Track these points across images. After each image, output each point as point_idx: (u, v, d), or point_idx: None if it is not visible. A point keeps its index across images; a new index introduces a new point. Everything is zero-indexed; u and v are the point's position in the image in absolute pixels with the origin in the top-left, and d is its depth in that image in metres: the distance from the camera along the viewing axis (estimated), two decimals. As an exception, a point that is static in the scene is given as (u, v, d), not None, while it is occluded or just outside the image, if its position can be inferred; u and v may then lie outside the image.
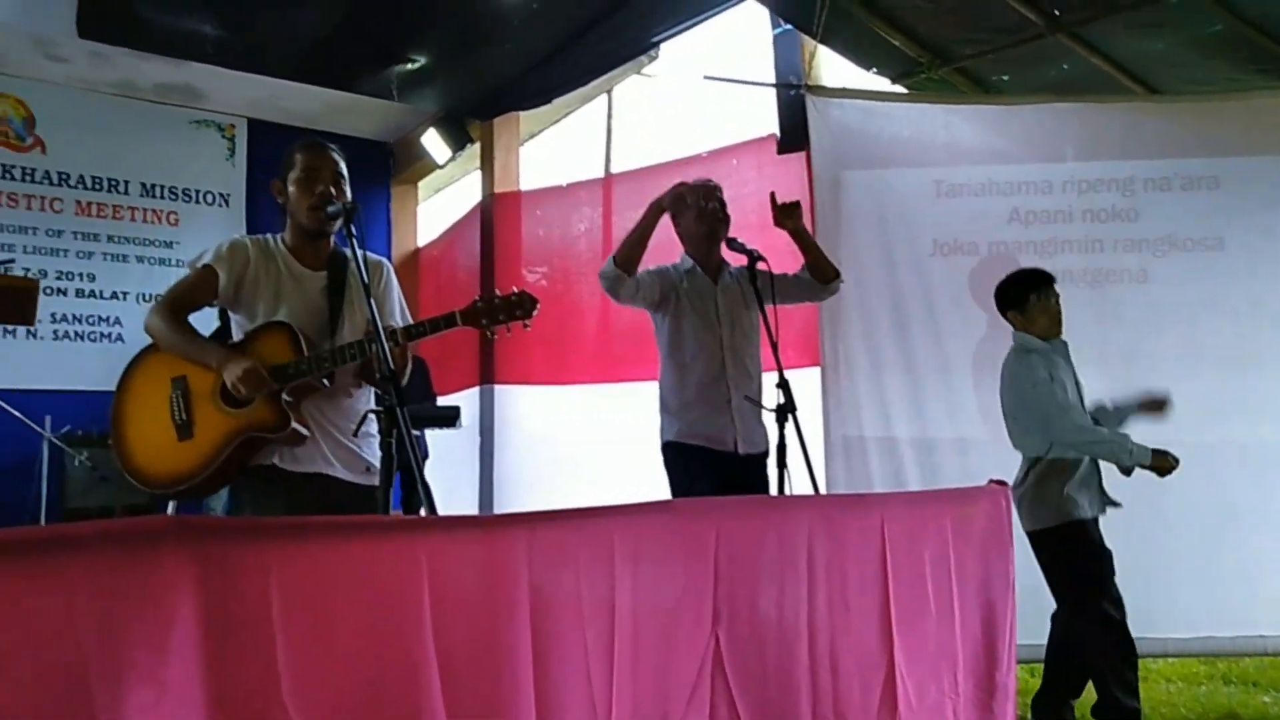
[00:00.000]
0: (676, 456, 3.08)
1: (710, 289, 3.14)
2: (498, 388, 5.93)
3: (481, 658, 1.50)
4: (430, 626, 1.43)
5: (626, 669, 1.67)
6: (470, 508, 5.88)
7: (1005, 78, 4.68)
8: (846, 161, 4.06)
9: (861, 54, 4.74)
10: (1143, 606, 3.46)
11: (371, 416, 2.16)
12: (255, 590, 1.29)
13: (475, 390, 6.00)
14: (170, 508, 3.76)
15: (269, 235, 2.40)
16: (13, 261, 4.15)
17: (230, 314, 2.36)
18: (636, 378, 4.52)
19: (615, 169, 5.98)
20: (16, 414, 4.90)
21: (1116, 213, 3.97)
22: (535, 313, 2.21)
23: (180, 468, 2.16)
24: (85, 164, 6.11)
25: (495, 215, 6.07)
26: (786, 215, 3.04)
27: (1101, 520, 3.10)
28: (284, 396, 2.15)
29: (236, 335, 2.32)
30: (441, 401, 5.77)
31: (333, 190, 2.29)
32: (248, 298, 2.29)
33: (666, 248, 3.26)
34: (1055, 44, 4.29)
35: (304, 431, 2.20)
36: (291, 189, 2.32)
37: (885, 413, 3.90)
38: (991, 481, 2.66)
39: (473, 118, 6.29)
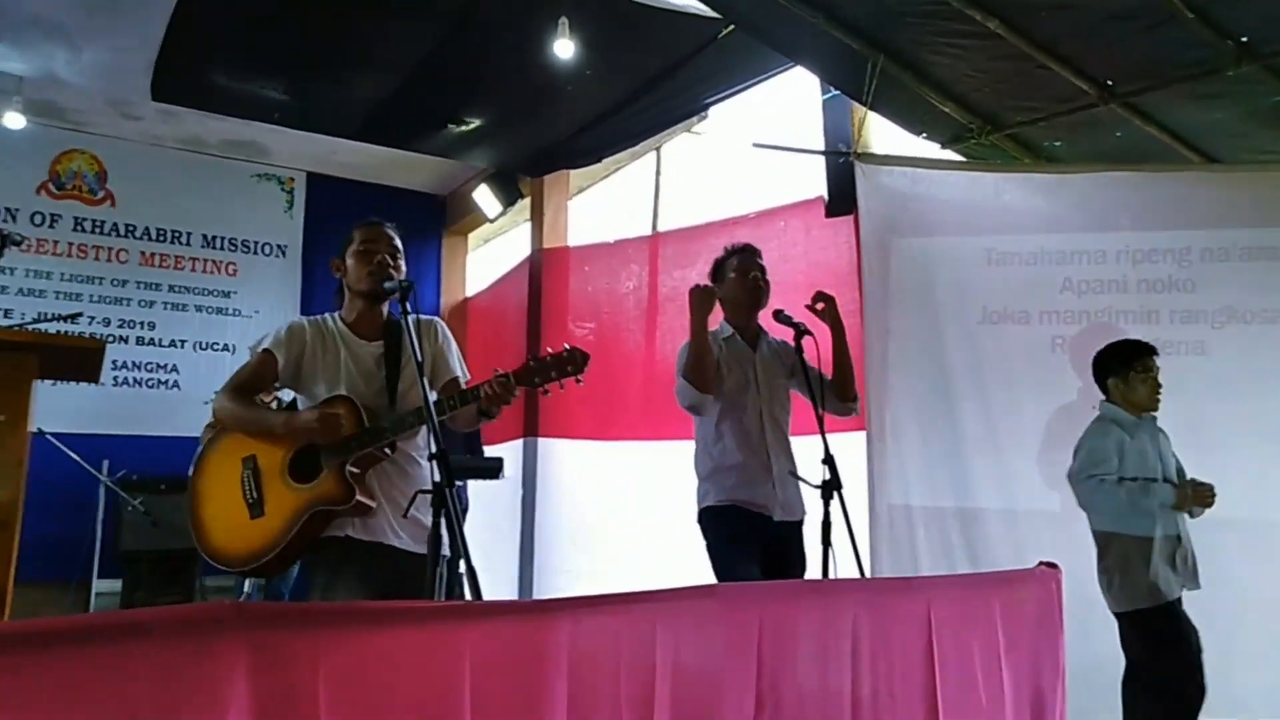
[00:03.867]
0: (715, 519, 3.04)
1: (749, 356, 3.15)
2: (541, 440, 5.96)
3: (521, 745, 1.50)
4: (469, 713, 1.44)
5: (667, 758, 1.66)
6: (511, 560, 5.89)
7: (1058, 144, 4.64)
8: (895, 228, 4.05)
9: (911, 119, 4.74)
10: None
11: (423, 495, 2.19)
12: (305, 677, 1.32)
13: (519, 442, 6.03)
14: (248, 584, 3.82)
15: (326, 315, 2.48)
16: (80, 315, 4.31)
17: (296, 395, 2.44)
18: (681, 436, 4.50)
19: (663, 226, 6.03)
20: (76, 457, 5.05)
21: (1173, 283, 3.90)
22: (586, 369, 2.25)
23: (254, 546, 2.23)
24: (151, 216, 6.35)
25: (544, 269, 6.15)
26: (802, 336, 3.00)
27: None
28: (349, 469, 2.21)
29: None
30: (486, 452, 5.81)
31: (389, 259, 2.37)
32: (308, 377, 2.37)
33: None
34: (1109, 112, 4.25)
35: (369, 503, 2.25)
36: (350, 261, 2.42)
37: (932, 482, 3.84)
38: (1041, 564, 2.60)
39: (524, 174, 6.42)
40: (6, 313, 5.54)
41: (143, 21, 4.16)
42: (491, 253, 8.01)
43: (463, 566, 1.88)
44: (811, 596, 2.08)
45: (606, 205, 7.02)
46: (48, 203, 6.06)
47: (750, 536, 2.96)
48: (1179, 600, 3.00)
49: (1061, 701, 2.55)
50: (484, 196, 6.57)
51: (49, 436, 4.90)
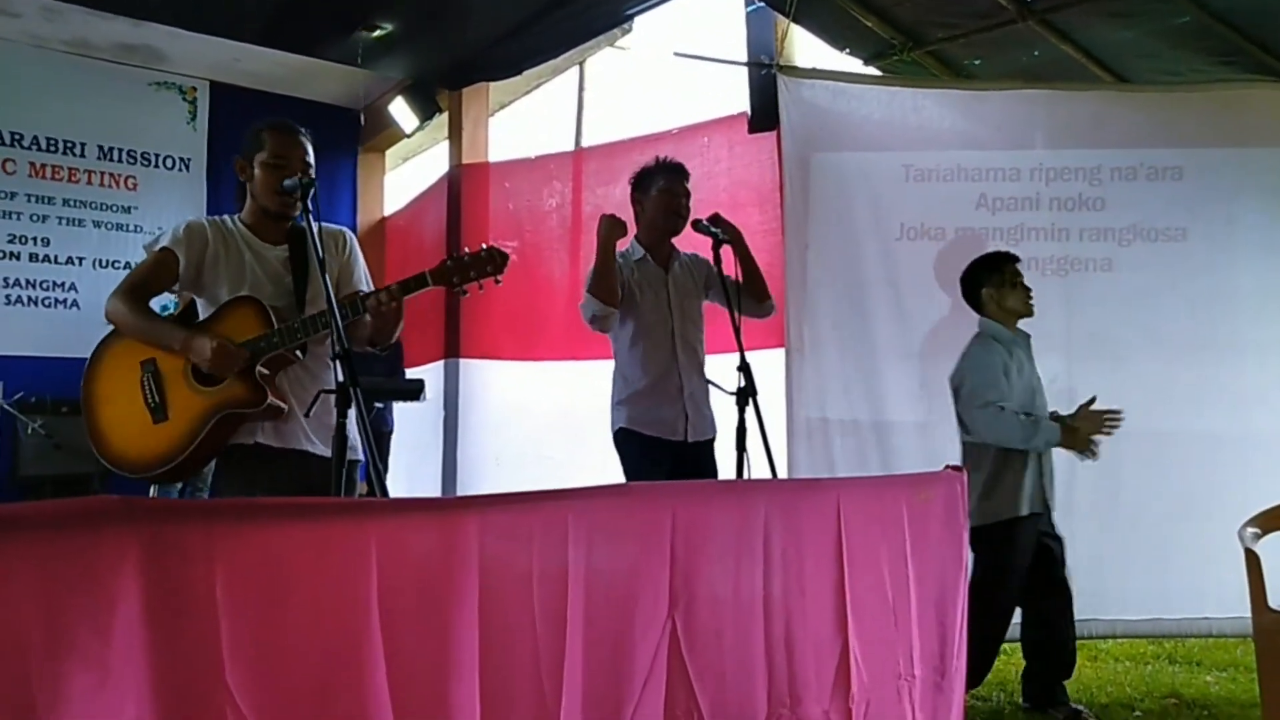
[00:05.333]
0: (628, 442, 3.11)
1: (661, 278, 3.16)
2: (463, 362, 5.89)
3: (428, 642, 1.48)
4: (377, 610, 1.42)
5: (579, 653, 1.67)
6: (434, 483, 5.85)
7: (978, 62, 4.68)
8: (816, 143, 4.04)
9: (834, 34, 4.72)
10: (1095, 589, 3.57)
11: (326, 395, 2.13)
12: (200, 572, 1.27)
13: (441, 364, 5.95)
14: (152, 491, 3.70)
15: (225, 216, 2.36)
16: (-37, 224, 4.03)
17: (195, 297, 2.32)
18: (604, 355, 4.49)
19: (586, 143, 5.92)
20: (-33, 380, 4.79)
21: (1084, 201, 4.00)
22: (506, 268, 2.20)
23: (158, 450, 2.14)
24: (40, 124, 5.92)
25: (463, 186, 5.99)
26: (724, 233, 3.00)
27: (1057, 504, 3.19)
28: (259, 370, 2.12)
29: (203, 315, 2.29)
30: (408, 374, 5.71)
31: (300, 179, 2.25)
32: (210, 278, 2.26)
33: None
34: (1027, 29, 4.29)
35: (282, 405, 2.18)
36: (258, 171, 2.28)
37: (849, 395, 3.92)
38: (948, 467, 2.68)
39: (442, 87, 6.19)
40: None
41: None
42: (409, 173, 7.77)
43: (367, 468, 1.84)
44: (724, 495, 2.10)
45: (528, 122, 6.85)
46: (-81, 108, 5.61)
47: (661, 458, 3.02)
48: (1030, 518, 3.11)
49: (963, 599, 2.66)
50: (400, 110, 6.32)
51: (-64, 357, 4.64)
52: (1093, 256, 3.99)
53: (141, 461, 2.16)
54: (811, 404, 3.89)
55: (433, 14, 5.01)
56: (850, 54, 4.73)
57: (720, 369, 3.09)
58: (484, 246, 2.20)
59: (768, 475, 2.69)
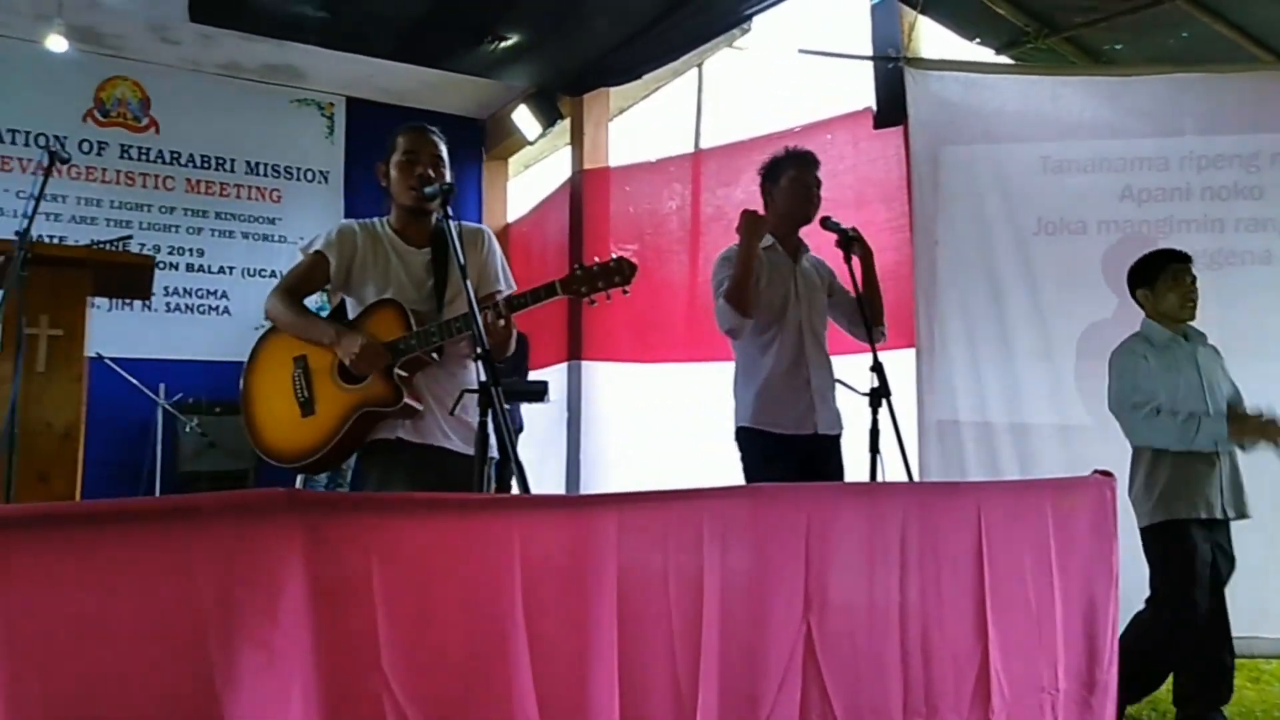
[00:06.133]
0: (751, 441, 3.02)
1: (790, 268, 3.07)
2: (585, 364, 5.98)
3: (569, 634, 1.52)
4: (521, 602, 1.46)
5: (714, 653, 1.67)
6: (557, 483, 5.96)
7: (1119, 47, 4.45)
8: (946, 136, 3.92)
9: (964, 24, 4.57)
10: (1260, 605, 3.33)
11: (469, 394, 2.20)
12: (358, 562, 1.34)
13: (564, 366, 6.06)
14: (299, 481, 3.91)
15: (374, 219, 2.48)
16: (130, 238, 4.36)
17: (344, 296, 2.44)
18: (725, 357, 4.48)
19: (705, 144, 5.92)
20: (134, 380, 5.18)
21: (1239, 190, 3.74)
22: (634, 279, 2.23)
23: (305, 443, 2.26)
24: (195, 143, 6.38)
25: (584, 191, 6.09)
26: (850, 243, 2.90)
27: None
28: (397, 372, 2.22)
29: (351, 316, 2.40)
30: (531, 376, 5.84)
31: (431, 173, 2.35)
32: (357, 280, 2.38)
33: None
34: (1174, 10, 4.05)
35: (417, 406, 2.27)
36: (394, 172, 2.40)
37: (982, 396, 3.78)
38: (1096, 472, 2.55)
39: (563, 94, 6.31)
40: (60, 239, 5.63)
41: (178, -62, 4.11)
42: (532, 179, 7.95)
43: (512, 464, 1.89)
44: (859, 498, 2.06)
45: (648, 126, 6.90)
46: (94, 130, 6.11)
47: (786, 455, 2.93)
48: (1206, 522, 2.91)
49: (1114, 610, 2.52)
50: (523, 118, 6.48)
51: (108, 361, 5.03)
52: (1250, 248, 3.73)
53: (291, 453, 2.29)
54: (942, 405, 3.78)
55: (557, 23, 5.12)
56: (981, 43, 4.57)
57: (847, 369, 3.03)
58: (613, 257, 2.23)
59: (902, 478, 2.62)
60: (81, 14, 5.35)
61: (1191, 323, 3.07)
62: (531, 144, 6.91)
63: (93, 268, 3.00)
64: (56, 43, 5.20)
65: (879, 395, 2.64)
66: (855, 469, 2.99)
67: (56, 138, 5.90)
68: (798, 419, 2.96)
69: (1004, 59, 4.57)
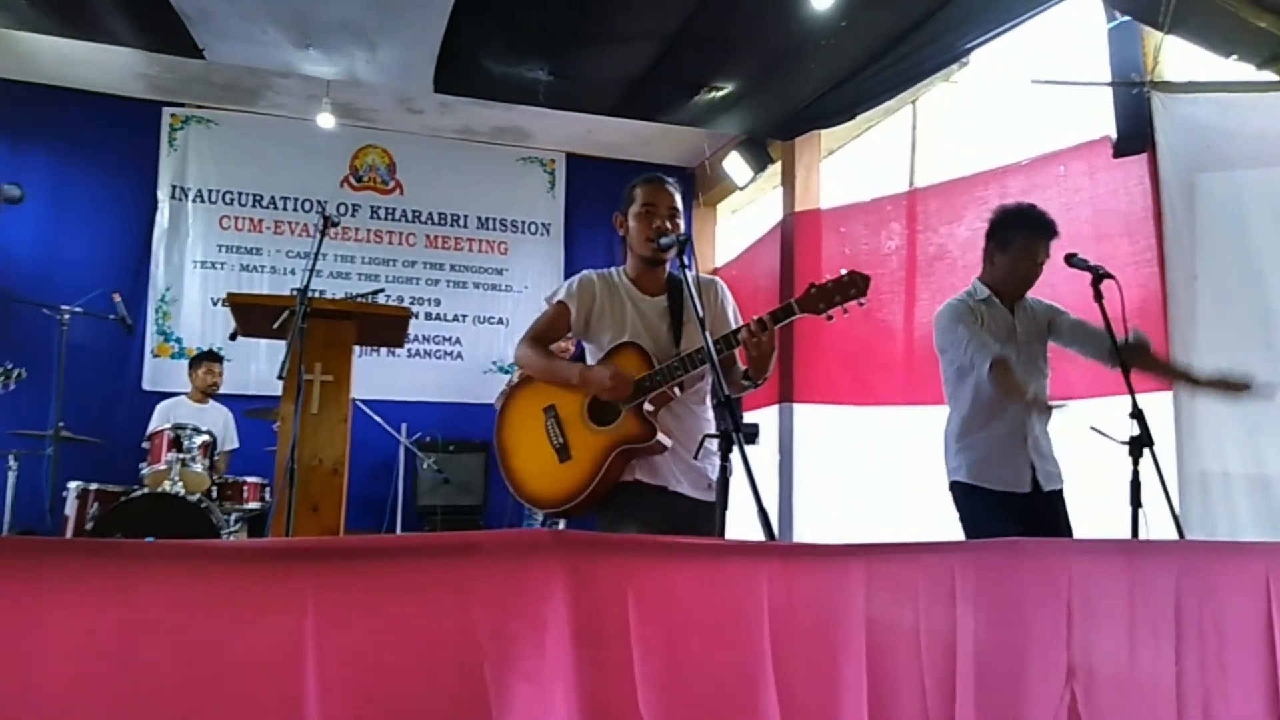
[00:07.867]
0: (968, 497, 2.92)
1: (1008, 319, 2.96)
2: (797, 406, 5.91)
3: (818, 687, 1.49)
4: (769, 650, 1.45)
5: (970, 716, 1.59)
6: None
7: None
8: (1201, 163, 3.61)
9: (1217, 40, 4.18)
10: None
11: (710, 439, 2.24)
12: (615, 601, 1.38)
13: (775, 408, 6.02)
14: (562, 526, 4.10)
15: (611, 269, 2.59)
16: (383, 290, 4.81)
17: (584, 343, 2.58)
18: (942, 401, 4.32)
19: (920, 181, 5.76)
20: (381, 421, 5.65)
21: None
22: (868, 290, 2.21)
23: (567, 487, 2.35)
24: (434, 202, 6.98)
25: (796, 233, 6.07)
26: (1135, 356, 2.71)
27: None
28: (646, 407, 2.30)
29: (590, 361, 2.52)
30: (744, 418, 5.85)
31: (668, 225, 2.43)
32: (596, 327, 2.49)
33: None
34: None
35: (667, 442, 2.32)
36: (632, 223, 2.50)
37: (1255, 445, 3.39)
38: None
39: (775, 138, 6.35)
40: (320, 293, 6.28)
41: (427, 18, 4.52)
42: (739, 223, 8.02)
43: (755, 510, 1.90)
44: (1126, 555, 1.90)
45: (858, 166, 6.79)
46: (349, 194, 6.81)
47: (1008, 513, 2.82)
48: None
49: None
50: (734, 164, 6.58)
51: (359, 403, 5.52)
52: None
53: (554, 498, 2.38)
54: (1208, 455, 3.42)
55: (770, 70, 5.18)
56: (1239, 60, 4.17)
57: (1099, 414, 2.82)
58: (843, 271, 2.23)
59: (1173, 536, 2.39)
60: (344, 91, 6.01)
61: None
62: (741, 189, 6.99)
63: (358, 319, 3.33)
64: (326, 120, 5.86)
65: (1140, 444, 2.44)
66: (1102, 524, 2.78)
67: (319, 202, 6.62)
68: (1015, 475, 2.86)
69: (1267, 75, 4.15)
